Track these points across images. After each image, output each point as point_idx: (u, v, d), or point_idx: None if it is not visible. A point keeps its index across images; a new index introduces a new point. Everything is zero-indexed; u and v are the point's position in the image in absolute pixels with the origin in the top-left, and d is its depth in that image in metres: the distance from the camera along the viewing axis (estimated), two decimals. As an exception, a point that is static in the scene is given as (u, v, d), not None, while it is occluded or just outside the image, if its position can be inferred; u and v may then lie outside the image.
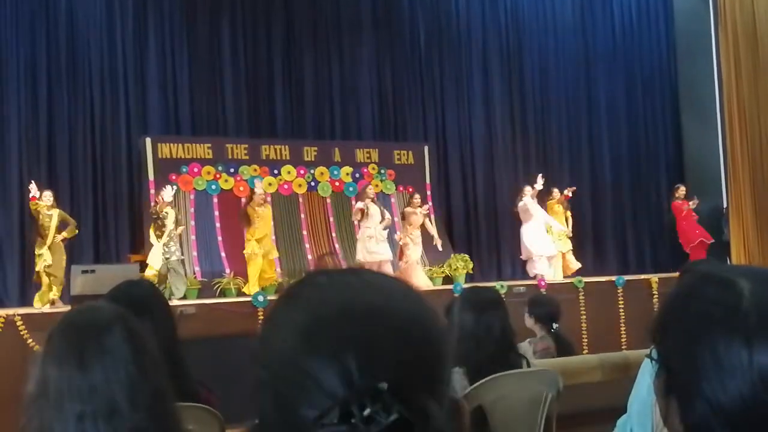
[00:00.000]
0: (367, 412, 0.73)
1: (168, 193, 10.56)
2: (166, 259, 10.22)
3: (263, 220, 11.01)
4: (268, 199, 11.69)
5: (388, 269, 10.97)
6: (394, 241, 11.93)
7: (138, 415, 1.80)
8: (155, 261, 10.26)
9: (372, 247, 11.28)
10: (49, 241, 9.77)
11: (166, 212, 10.42)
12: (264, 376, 0.83)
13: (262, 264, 10.89)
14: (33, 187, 9.94)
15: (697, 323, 1.03)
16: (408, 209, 12.00)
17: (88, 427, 1.77)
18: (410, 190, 12.91)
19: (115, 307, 2.08)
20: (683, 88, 16.21)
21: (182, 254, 10.78)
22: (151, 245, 10.49)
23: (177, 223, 10.65)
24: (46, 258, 9.75)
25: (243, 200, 11.82)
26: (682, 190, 13.80)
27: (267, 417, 0.83)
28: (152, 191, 11.86)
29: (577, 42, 15.88)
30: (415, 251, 11.80)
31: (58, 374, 1.81)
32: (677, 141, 16.30)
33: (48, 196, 9.94)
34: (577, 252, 13.15)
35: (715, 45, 15.07)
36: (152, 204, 10.80)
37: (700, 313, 1.04)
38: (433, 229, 12.18)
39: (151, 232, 10.57)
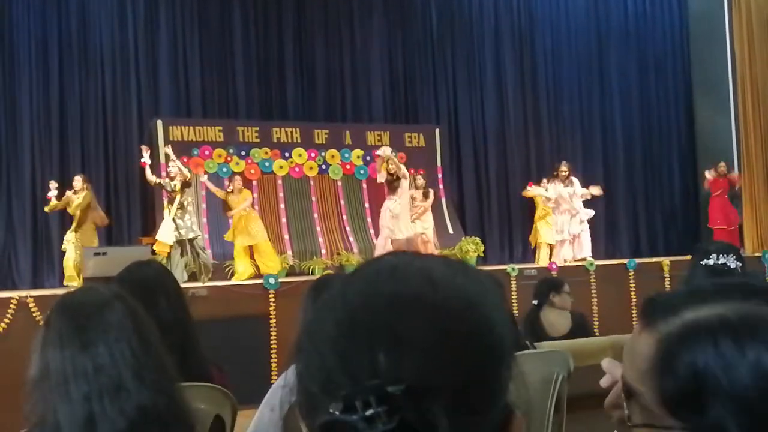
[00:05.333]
0: (369, 412, 0.71)
1: (174, 167, 10.31)
2: (180, 237, 9.99)
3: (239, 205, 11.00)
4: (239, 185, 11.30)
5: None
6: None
7: (145, 392, 1.79)
8: (166, 236, 9.99)
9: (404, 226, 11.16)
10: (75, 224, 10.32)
11: (175, 184, 10.16)
12: (305, 343, 0.83)
13: (241, 253, 10.83)
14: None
15: None
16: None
17: (95, 406, 1.74)
18: (421, 173, 12.88)
19: (109, 286, 2.07)
20: (696, 70, 16.11)
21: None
22: (169, 221, 10.17)
23: (182, 190, 10.26)
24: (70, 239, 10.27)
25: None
26: (722, 167, 13.71)
27: (302, 382, 0.82)
28: (164, 174, 11.88)
29: (590, 23, 15.78)
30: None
31: (60, 356, 1.78)
32: (690, 123, 16.21)
33: (77, 180, 10.44)
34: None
35: (728, 26, 14.95)
36: (163, 175, 10.45)
37: None
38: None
39: (165, 205, 10.26)
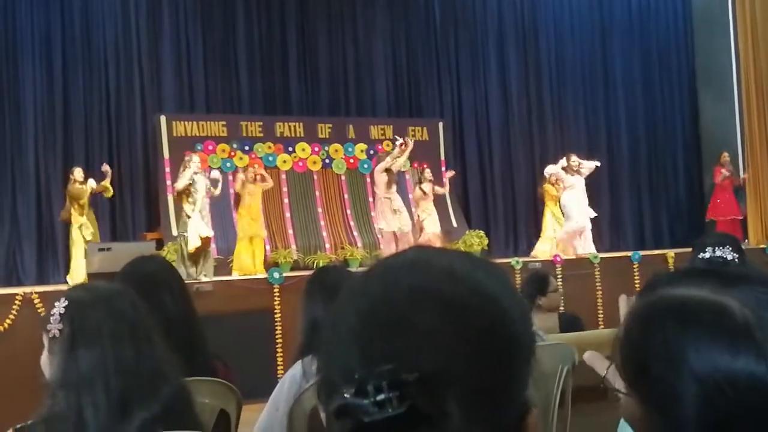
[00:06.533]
0: (381, 397, 0.72)
1: (195, 162, 10.04)
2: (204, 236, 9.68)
3: (253, 197, 10.78)
4: (258, 178, 11.10)
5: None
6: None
7: (177, 376, 1.83)
8: (194, 235, 9.57)
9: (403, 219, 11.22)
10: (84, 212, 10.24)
11: (196, 179, 9.78)
12: (327, 334, 0.84)
13: (247, 246, 10.68)
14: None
15: None
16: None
17: (133, 395, 1.75)
18: (425, 166, 12.84)
19: (108, 283, 2.08)
20: (700, 63, 16.07)
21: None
22: (186, 218, 9.74)
23: (212, 188, 10.02)
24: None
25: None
26: (725, 157, 13.64)
27: (323, 372, 0.84)
28: (167, 169, 11.88)
29: (593, 16, 15.73)
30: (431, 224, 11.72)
31: (100, 351, 1.79)
32: (694, 116, 16.18)
33: (78, 172, 10.34)
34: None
35: (732, 18, 14.90)
36: (181, 170, 10.01)
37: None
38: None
39: (185, 205, 9.81)
